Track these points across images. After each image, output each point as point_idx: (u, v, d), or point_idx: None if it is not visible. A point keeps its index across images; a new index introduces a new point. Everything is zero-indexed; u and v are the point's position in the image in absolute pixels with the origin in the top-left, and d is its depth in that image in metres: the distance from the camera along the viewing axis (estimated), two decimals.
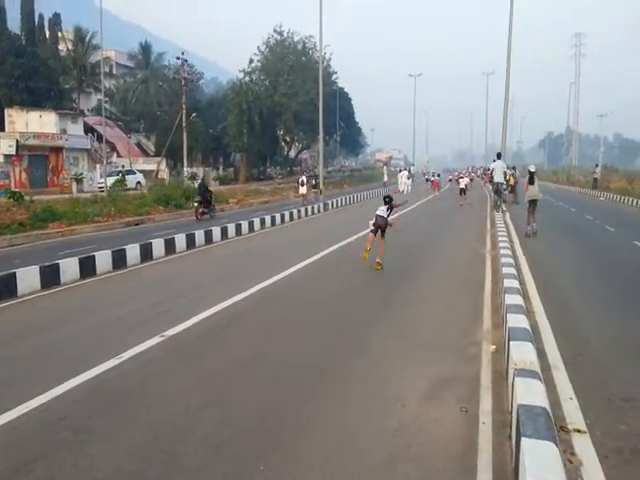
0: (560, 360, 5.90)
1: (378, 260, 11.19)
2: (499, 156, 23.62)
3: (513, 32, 26.60)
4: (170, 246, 14.01)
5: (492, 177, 24.15)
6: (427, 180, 51.13)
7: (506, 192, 26.26)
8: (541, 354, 5.71)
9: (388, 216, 11.44)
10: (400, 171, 47.80)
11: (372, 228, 11.50)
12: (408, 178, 42.09)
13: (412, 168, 62.66)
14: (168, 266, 12.67)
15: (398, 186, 42.57)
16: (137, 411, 4.79)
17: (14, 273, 9.49)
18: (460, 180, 34.80)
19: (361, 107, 74.66)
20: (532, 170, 17.19)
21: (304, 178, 32.06)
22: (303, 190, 30.57)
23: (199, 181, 28.21)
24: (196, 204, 23.18)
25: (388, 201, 11.66)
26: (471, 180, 43.68)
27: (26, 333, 7.25)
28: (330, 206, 29.41)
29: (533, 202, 16.61)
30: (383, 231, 11.41)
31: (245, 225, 18.49)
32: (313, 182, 34.49)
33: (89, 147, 43.42)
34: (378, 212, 11.51)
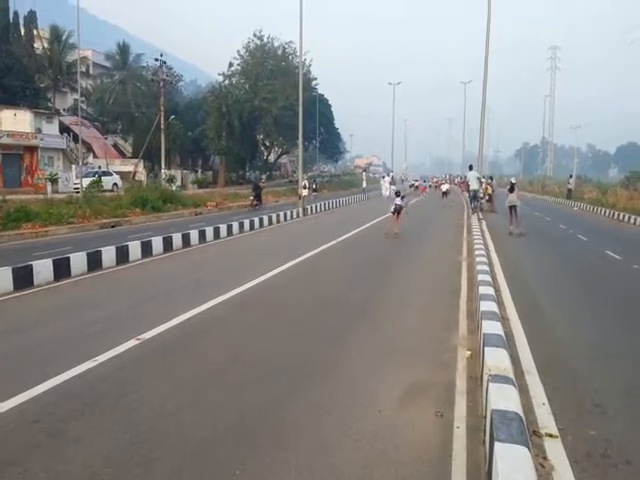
0: (533, 366, 6.01)
1: (397, 231, 17.70)
2: (471, 167, 27.07)
3: (491, 42, 27.07)
4: (147, 249, 13.88)
5: (468, 185, 27.19)
6: (411, 186, 56.18)
7: (483, 201, 27.47)
8: (515, 360, 5.80)
9: (401, 203, 18.46)
10: (383, 177, 50.37)
11: (392, 211, 18.13)
12: (390, 184, 44.26)
13: (391, 175, 63.48)
14: (145, 269, 12.54)
15: (381, 191, 45.52)
16: (112, 414, 4.74)
17: None
18: (442, 186, 42.29)
19: (341, 114, 75.08)
20: (513, 181, 21.30)
21: (306, 182, 35.85)
22: (305, 192, 32.53)
23: (254, 182, 40.17)
24: (252, 198, 31.75)
25: (399, 194, 19.52)
26: (448, 190, 47.75)
27: None
28: (310, 211, 29.45)
29: (513, 207, 19.36)
30: (399, 213, 18.01)
31: (224, 228, 18.41)
32: (314, 186, 41.53)
33: (65, 147, 42.82)
34: (397, 201, 18.37)
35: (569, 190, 43.48)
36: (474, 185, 24.95)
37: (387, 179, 46.74)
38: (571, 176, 48.76)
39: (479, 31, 30.58)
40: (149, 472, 3.83)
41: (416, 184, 47.85)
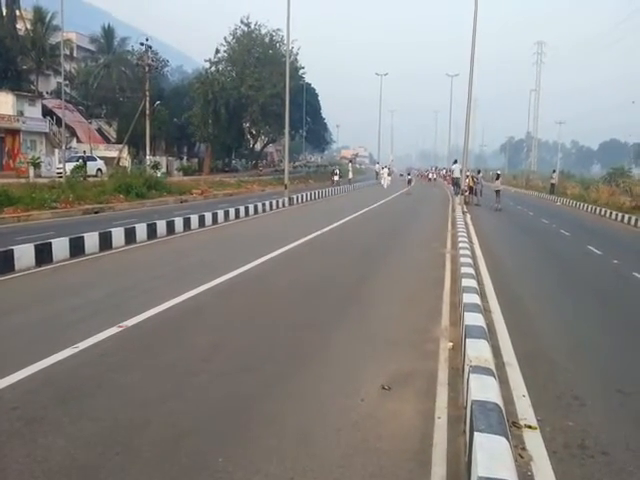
0: (514, 357, 6.09)
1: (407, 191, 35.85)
2: (455, 161, 35.98)
3: (478, 35, 27.05)
4: (131, 235, 13.74)
5: (453, 178, 36.25)
6: (404, 176, 66.18)
7: (466, 193, 28.33)
8: (496, 352, 5.87)
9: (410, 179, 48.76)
10: (382, 168, 57.16)
11: (407, 181, 48.35)
12: (389, 175, 52.19)
13: (377, 166, 64.37)
14: (128, 256, 12.44)
15: (381, 181, 51.88)
16: (93, 402, 4.70)
17: None
18: (429, 175, 64.68)
19: (328, 104, 74.87)
20: (499, 173, 33.17)
21: (337, 169, 53.19)
22: (336, 178, 48.53)
23: (332, 168, 56.63)
24: (335, 177, 48.70)
25: (409, 175, 52.36)
26: (435, 177, 63.46)
27: None
28: (295, 201, 29.38)
29: (497, 191, 28.96)
30: (410, 182, 48.01)
31: (209, 216, 18.29)
32: (337, 172, 52.05)
33: (47, 131, 42.10)
34: (409, 177, 51.29)
35: (552, 185, 43.86)
36: (457, 174, 33.03)
37: (385, 170, 52.74)
38: (554, 171, 49.22)
39: (466, 23, 30.67)
40: (130, 460, 3.81)
41: (409, 177, 54.90)
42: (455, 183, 32.53)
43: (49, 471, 3.66)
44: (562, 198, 38.54)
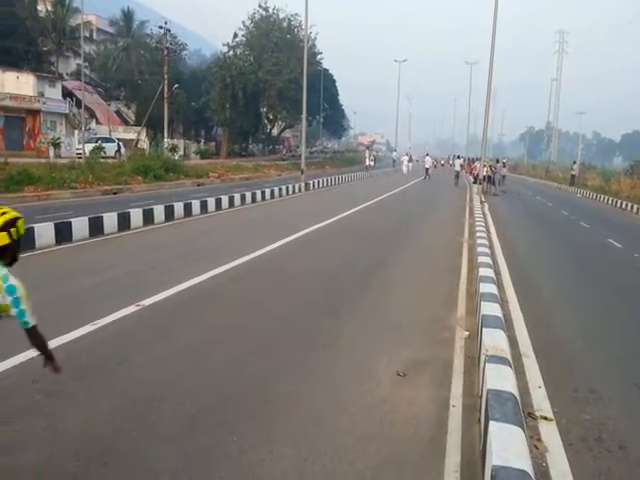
0: (530, 348, 6.04)
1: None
2: (458, 157, 43.84)
3: (498, 24, 26.57)
4: (149, 216, 13.85)
5: (472, 168, 40.68)
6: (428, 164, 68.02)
7: (484, 182, 28.34)
8: (513, 342, 5.83)
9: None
10: (404, 155, 56.59)
11: (427, 168, 42.59)
12: (409, 161, 52.32)
13: (394, 154, 63.80)
14: (146, 236, 12.53)
15: (402, 167, 52.08)
16: (111, 378, 4.77)
17: None
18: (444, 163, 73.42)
19: (345, 90, 74.25)
20: (504, 161, 39.64)
21: (368, 153, 52.98)
22: (367, 162, 49.40)
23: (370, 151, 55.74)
24: (367, 162, 49.34)
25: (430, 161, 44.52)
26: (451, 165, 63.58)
27: None
28: (312, 186, 29.31)
29: (504, 176, 35.65)
30: (427, 170, 42.66)
31: (225, 200, 18.34)
32: (373, 156, 54.17)
33: (67, 112, 42.41)
34: (428, 165, 43.29)
35: (572, 176, 43.23)
36: (457, 168, 38.89)
37: (406, 157, 53.04)
38: (575, 162, 48.42)
39: (486, 10, 30.16)
40: (147, 436, 3.86)
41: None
42: (456, 176, 37.39)
43: (69, 442, 3.73)
44: (582, 190, 37.97)
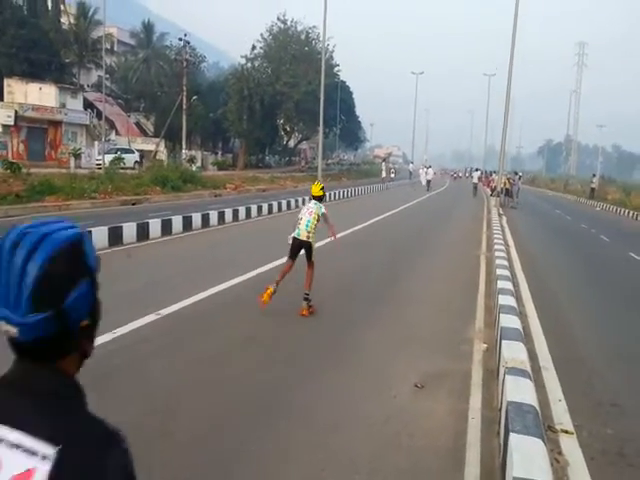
0: (550, 362, 5.97)
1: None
2: (477, 169, 46.84)
3: (517, 35, 26.50)
4: (167, 227, 13.99)
5: (489, 181, 40.65)
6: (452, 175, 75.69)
7: (502, 195, 28.79)
8: (532, 355, 5.77)
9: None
10: (424, 168, 54.74)
11: (429, 180, 43.68)
12: (427, 174, 50.16)
13: (411, 166, 63.83)
14: (165, 246, 12.65)
15: (420, 179, 51.58)
16: (130, 386, 4.81)
17: None
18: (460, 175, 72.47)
19: (362, 102, 74.51)
20: (520, 174, 38.13)
21: (385, 165, 50.17)
22: (383, 174, 46.97)
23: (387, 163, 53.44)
24: (392, 175, 49.57)
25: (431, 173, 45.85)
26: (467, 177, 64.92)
27: None
28: (328, 198, 29.30)
29: (519, 189, 33.47)
30: (429, 182, 43.94)
31: (242, 211, 18.46)
32: (390, 167, 52.91)
33: (88, 123, 43.06)
34: (430, 177, 44.28)
35: (592, 189, 42.75)
36: (475, 180, 40.37)
37: (423, 170, 52.01)
38: (594, 175, 47.85)
39: (504, 22, 30.15)
40: (166, 442, 3.89)
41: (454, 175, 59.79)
42: (475, 187, 39.31)
43: None
44: (602, 203, 37.53)
